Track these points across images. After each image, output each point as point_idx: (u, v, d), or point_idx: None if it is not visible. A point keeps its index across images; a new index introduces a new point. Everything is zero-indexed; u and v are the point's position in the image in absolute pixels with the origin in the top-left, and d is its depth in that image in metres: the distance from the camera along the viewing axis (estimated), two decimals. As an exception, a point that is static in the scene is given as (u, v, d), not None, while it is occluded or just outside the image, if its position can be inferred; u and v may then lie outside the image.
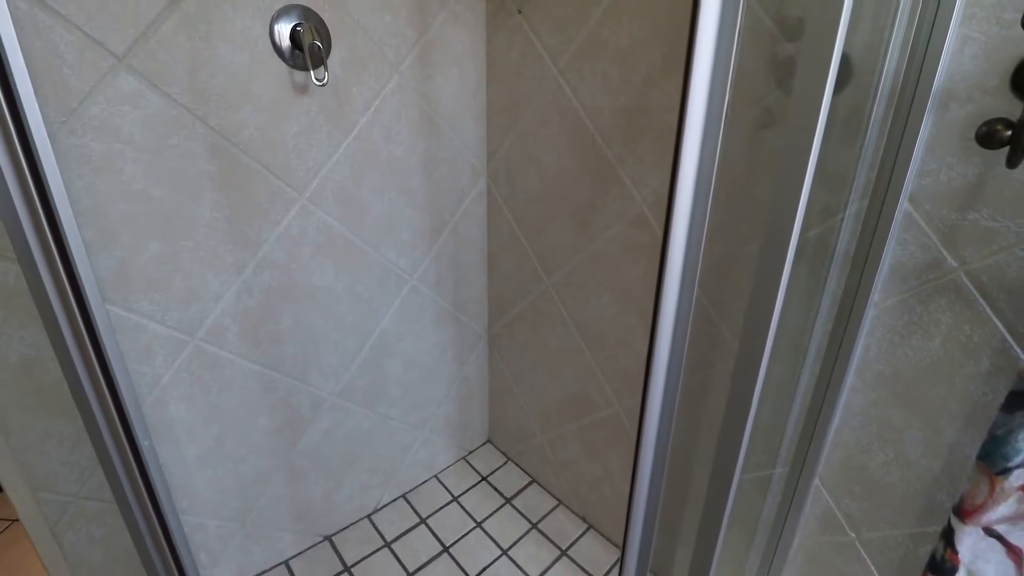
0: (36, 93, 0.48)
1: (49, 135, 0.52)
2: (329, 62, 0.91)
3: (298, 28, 0.85)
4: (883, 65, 0.60)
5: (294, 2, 0.84)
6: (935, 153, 0.61)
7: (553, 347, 1.24)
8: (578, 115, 0.99)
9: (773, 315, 0.43)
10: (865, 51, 0.62)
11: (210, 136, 0.83)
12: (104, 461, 0.51)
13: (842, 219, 0.69)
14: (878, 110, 0.62)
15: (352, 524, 1.32)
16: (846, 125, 0.65)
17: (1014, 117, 0.50)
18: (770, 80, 0.71)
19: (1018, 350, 0.59)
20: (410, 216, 1.14)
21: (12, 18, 0.47)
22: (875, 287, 0.68)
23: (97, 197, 0.75)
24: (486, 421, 1.58)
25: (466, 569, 1.20)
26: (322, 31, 0.88)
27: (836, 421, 0.77)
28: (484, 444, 1.59)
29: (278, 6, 0.83)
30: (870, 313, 0.69)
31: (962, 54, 0.57)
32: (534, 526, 1.32)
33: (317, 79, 0.87)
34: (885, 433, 0.73)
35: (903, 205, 0.63)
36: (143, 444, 0.48)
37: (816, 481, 0.81)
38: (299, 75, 0.89)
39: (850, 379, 0.74)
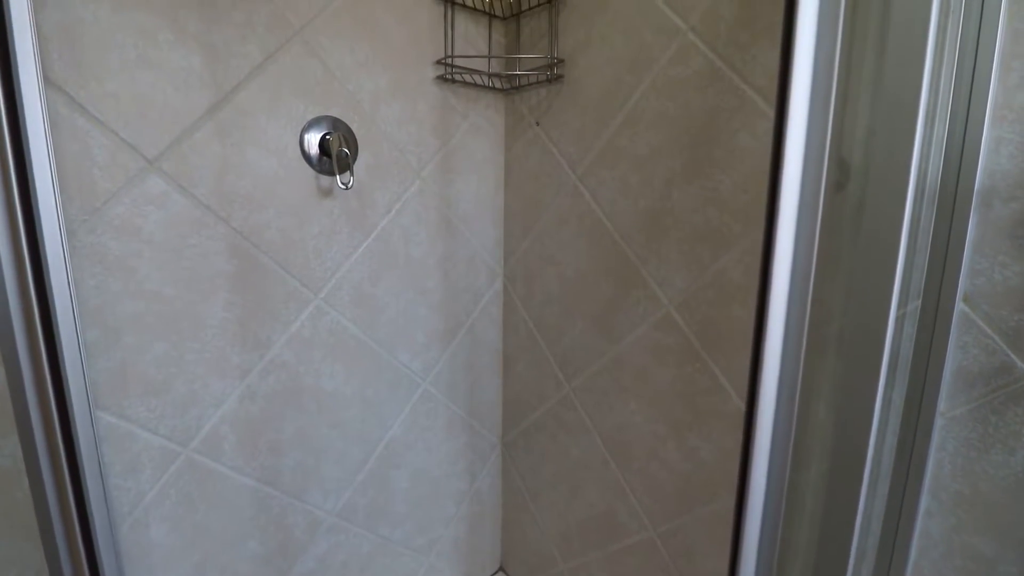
0: (61, 192, 0.47)
1: (68, 233, 0.50)
2: (354, 167, 0.93)
3: (327, 136, 0.88)
4: (925, 168, 0.59)
5: (326, 113, 0.88)
6: (984, 252, 0.58)
7: (575, 459, 1.14)
8: (597, 217, 0.99)
9: (869, 446, 0.38)
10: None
11: (231, 236, 0.82)
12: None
13: (899, 321, 0.64)
14: (925, 212, 0.60)
15: (342, 674, 1.12)
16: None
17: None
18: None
19: None
20: (425, 317, 1.11)
21: (50, 122, 0.47)
22: (940, 395, 0.62)
23: (107, 296, 0.73)
24: (499, 545, 1.42)
25: None
26: (350, 139, 0.91)
27: (913, 553, 0.66)
28: (496, 573, 1.42)
29: (310, 117, 0.87)
30: (938, 424, 0.63)
31: (998, 154, 0.56)
32: None
33: (342, 183, 0.89)
34: (973, 567, 0.62)
35: (959, 306, 0.60)
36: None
37: (898, 629, 0.69)
38: (324, 179, 0.90)
39: (924, 501, 0.65)
